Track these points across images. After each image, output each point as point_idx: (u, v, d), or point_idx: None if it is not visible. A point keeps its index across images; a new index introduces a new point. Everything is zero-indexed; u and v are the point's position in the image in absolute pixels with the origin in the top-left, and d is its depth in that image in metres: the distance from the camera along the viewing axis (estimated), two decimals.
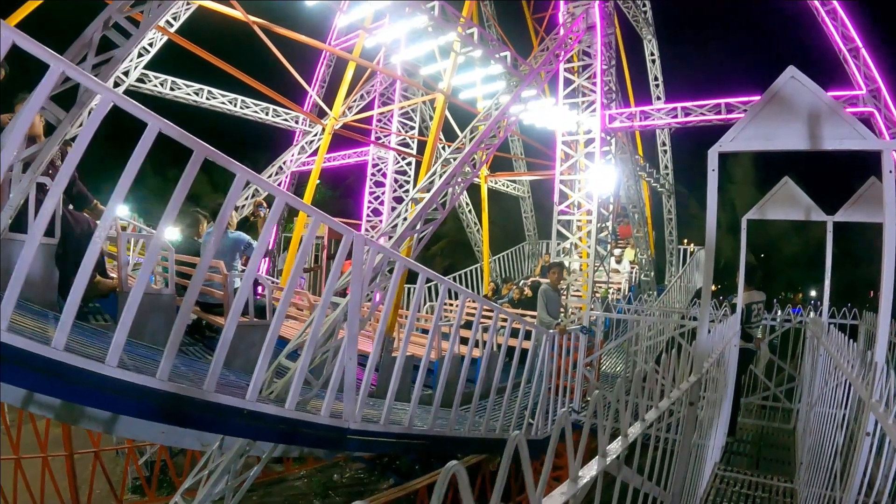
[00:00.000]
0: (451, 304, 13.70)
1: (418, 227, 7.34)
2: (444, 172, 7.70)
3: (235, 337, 3.43)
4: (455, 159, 7.79)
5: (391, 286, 4.54)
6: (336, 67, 16.03)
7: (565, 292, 10.80)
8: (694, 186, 27.46)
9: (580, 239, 10.37)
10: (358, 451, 4.55)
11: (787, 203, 7.31)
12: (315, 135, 13.78)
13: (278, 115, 14.27)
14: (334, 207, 27.42)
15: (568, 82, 10.96)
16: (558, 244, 10.60)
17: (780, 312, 9.51)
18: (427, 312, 12.88)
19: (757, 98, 9.99)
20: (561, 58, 10.02)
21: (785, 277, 29.40)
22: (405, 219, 7.18)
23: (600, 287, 10.82)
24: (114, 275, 5.60)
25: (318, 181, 13.24)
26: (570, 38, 10.12)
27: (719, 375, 4.79)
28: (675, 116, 10.31)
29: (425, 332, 8.45)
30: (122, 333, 2.94)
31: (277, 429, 3.72)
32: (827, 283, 7.60)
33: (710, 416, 4.33)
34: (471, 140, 8.07)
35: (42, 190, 4.70)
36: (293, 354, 4.37)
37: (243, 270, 8.04)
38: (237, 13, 9.70)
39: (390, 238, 7.13)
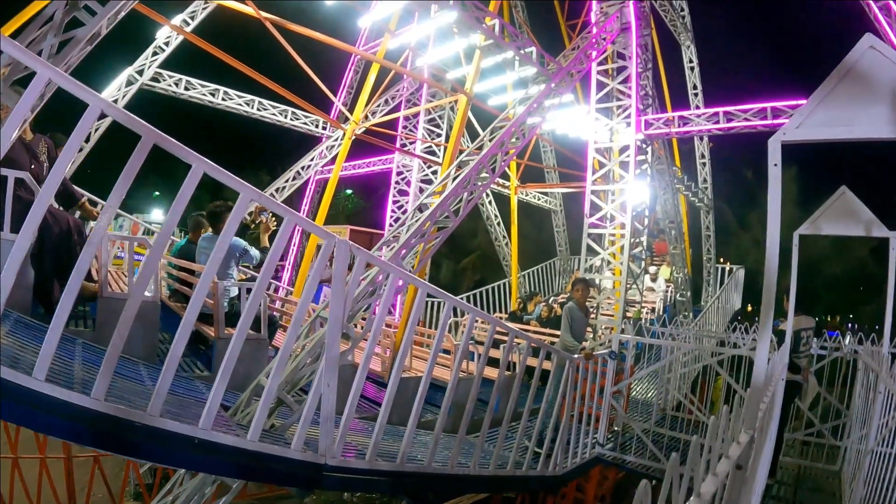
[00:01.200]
0: (479, 323, 13.13)
1: (427, 235, 6.79)
2: (459, 176, 7.14)
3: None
4: (472, 162, 7.24)
5: (384, 299, 3.99)
6: (364, 73, 15.67)
7: (594, 312, 10.14)
8: (733, 202, 26.58)
9: (612, 255, 9.72)
10: (337, 489, 4.03)
11: (844, 216, 6.57)
12: (336, 140, 13.43)
13: (297, 119, 13.94)
14: (367, 218, 27.10)
15: (601, 86, 10.35)
16: (588, 260, 9.96)
17: (828, 339, 8.81)
18: (450, 331, 12.36)
19: (806, 102, 9.29)
20: (593, 58, 9.41)
21: (826, 300, 28.04)
22: (410, 227, 6.62)
23: (632, 307, 10.13)
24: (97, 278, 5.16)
25: (350, 191, 12.97)
26: (603, 38, 9.54)
27: (769, 420, 4.21)
28: (717, 122, 9.63)
29: (447, 351, 7.93)
30: (50, 343, 2.61)
31: (237, 462, 3.29)
32: (889, 307, 6.87)
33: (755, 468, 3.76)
34: (490, 141, 7.51)
35: (22, 185, 4.34)
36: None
37: (247, 278, 7.81)
38: (249, 9, 9.34)
39: (392, 248, 6.57)
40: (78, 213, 5.55)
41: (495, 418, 5.44)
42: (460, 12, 7.49)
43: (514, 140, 7.76)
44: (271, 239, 6.41)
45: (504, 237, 17.17)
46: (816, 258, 26.49)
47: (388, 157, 15.06)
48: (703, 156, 17.26)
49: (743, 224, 26.85)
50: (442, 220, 6.98)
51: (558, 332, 10.76)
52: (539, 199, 18.75)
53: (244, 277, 7.12)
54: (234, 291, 5.78)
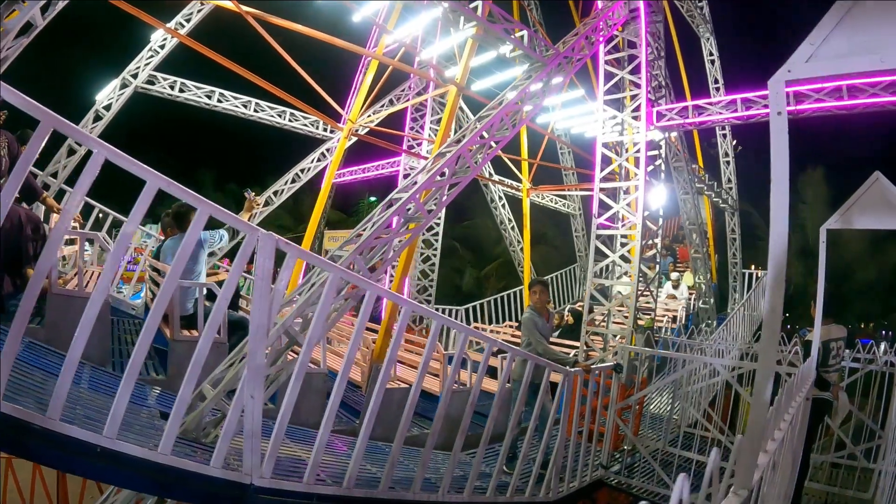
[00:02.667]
0: (484, 328, 12.38)
1: (397, 232, 6.05)
2: (435, 168, 6.42)
3: (182, 355, 3.39)
4: (450, 153, 6.51)
5: (322, 304, 3.43)
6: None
7: (605, 322, 9.30)
8: (762, 204, 25.05)
9: (622, 257, 8.88)
10: None
11: (879, 207, 5.71)
12: (336, 141, 12.92)
13: (296, 120, 13.40)
14: None
15: (609, 77, 9.54)
16: (596, 263, 9.13)
17: (861, 350, 7.90)
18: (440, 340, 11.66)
19: (831, 86, 8.43)
20: (597, 44, 8.63)
21: (859, 306, 26.35)
22: (375, 223, 5.90)
23: (646, 315, 9.27)
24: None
25: (374, 198, 12.50)
26: (609, 24, 8.77)
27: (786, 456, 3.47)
28: (735, 111, 8.76)
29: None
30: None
31: (148, 476, 2.99)
32: None
33: None
34: (472, 131, 6.77)
35: None
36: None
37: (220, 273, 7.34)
38: (230, 4, 8.83)
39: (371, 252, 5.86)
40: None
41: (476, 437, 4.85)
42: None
43: (501, 130, 7.03)
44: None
45: (519, 242, 16.33)
46: (849, 261, 24.82)
47: (395, 160, 14.37)
48: (726, 155, 16.19)
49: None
50: (414, 216, 6.24)
51: (568, 342, 10.10)
52: (556, 203, 17.85)
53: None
54: (203, 291, 5.43)
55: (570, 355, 6.36)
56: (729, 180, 16.22)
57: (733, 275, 16.13)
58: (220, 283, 5.48)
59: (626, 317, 8.67)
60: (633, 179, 8.99)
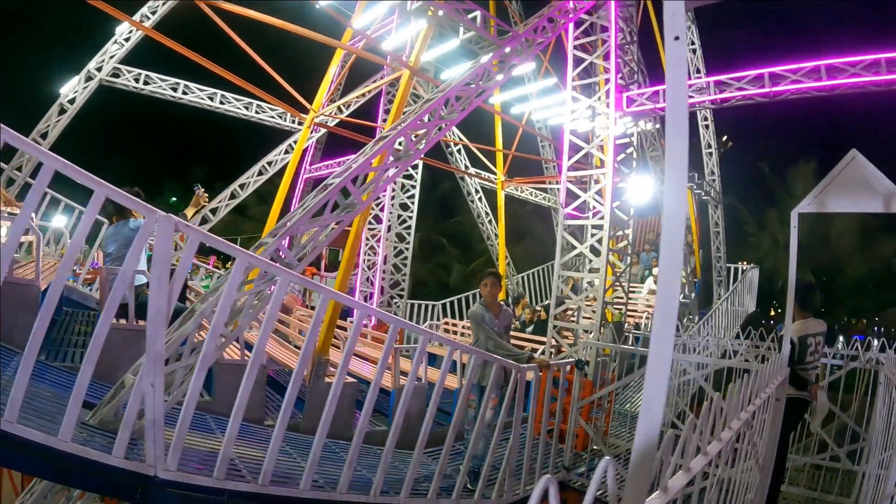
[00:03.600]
0: (449, 324, 11.73)
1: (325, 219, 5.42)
2: (373, 152, 5.77)
3: (110, 342, 3.09)
4: (391, 136, 5.85)
5: (227, 290, 3.21)
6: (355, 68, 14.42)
7: (574, 317, 8.64)
8: (751, 200, 24.39)
9: (591, 249, 8.21)
10: None
11: (856, 189, 5.06)
12: (307, 135, 12.30)
13: (263, 112, 12.75)
14: None
15: (579, 62, 8.89)
16: (564, 254, 8.46)
17: (841, 346, 7.27)
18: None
19: (810, 65, 7.75)
20: (562, 27, 7.95)
21: (851, 301, 25.51)
22: (306, 207, 5.26)
23: (617, 309, 8.59)
24: None
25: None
26: (576, 6, 8.10)
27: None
28: (708, 94, 8.07)
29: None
30: None
31: (47, 462, 2.88)
32: None
33: None
34: (415, 114, 6.13)
35: None
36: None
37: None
38: None
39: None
40: None
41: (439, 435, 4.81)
42: None
43: (449, 114, 6.40)
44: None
45: (497, 235, 15.64)
46: (840, 256, 24.04)
47: None
48: (709, 146, 15.46)
49: (761, 223, 24.63)
50: (350, 203, 5.60)
51: (540, 338, 9.46)
52: (536, 196, 17.02)
53: None
54: (143, 279, 5.22)
55: (526, 350, 5.66)
56: (712, 172, 15.48)
57: (717, 269, 15.40)
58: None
59: (594, 311, 8.01)
60: (602, 168, 8.31)
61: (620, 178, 8.64)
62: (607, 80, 8.58)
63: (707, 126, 15.35)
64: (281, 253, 5.12)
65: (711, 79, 8.01)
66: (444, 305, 13.29)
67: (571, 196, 8.57)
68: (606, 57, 8.63)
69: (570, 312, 8.59)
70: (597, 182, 8.47)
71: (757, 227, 24.76)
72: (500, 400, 5.24)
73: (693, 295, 12.35)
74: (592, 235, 8.31)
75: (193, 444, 3.91)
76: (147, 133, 27.49)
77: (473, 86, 6.82)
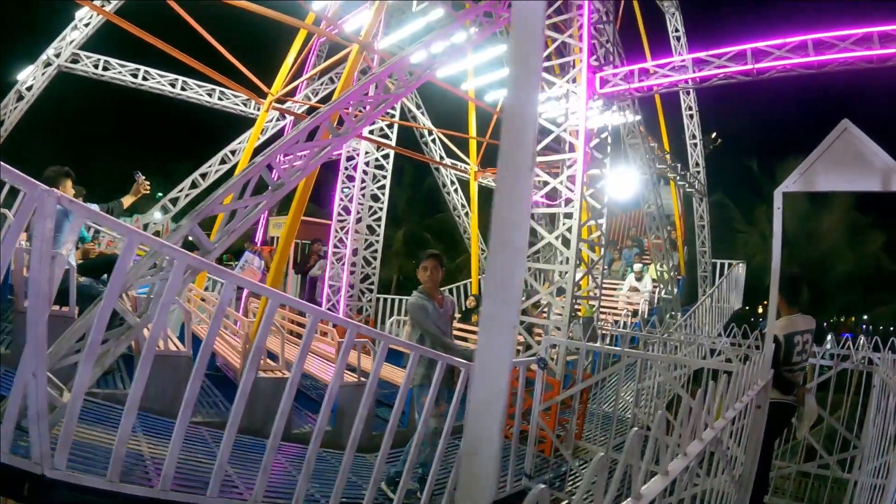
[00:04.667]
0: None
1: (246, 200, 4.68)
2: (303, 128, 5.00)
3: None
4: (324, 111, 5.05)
5: (117, 269, 2.88)
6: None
7: (546, 312, 7.82)
8: (737, 194, 23.48)
9: (559, 238, 7.39)
10: None
11: (848, 164, 4.25)
12: (270, 121, 11.52)
13: (226, 98, 11.91)
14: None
15: (551, 43, 8.10)
16: (531, 245, 7.65)
17: (831, 344, 6.54)
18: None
19: (796, 40, 6.94)
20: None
21: (840, 299, 24.60)
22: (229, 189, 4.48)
23: (591, 305, 7.78)
24: None
25: None
26: None
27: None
28: (685, 72, 7.24)
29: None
30: None
31: None
32: None
33: None
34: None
35: None
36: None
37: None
38: None
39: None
40: None
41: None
42: None
43: (397, 87, 5.63)
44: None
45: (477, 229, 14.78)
46: (829, 252, 23.12)
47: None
48: (693, 136, 14.59)
49: (750, 219, 23.73)
50: (277, 182, 4.84)
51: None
52: None
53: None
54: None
55: (472, 349, 4.80)
56: (697, 164, 14.60)
57: (702, 265, 14.53)
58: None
59: (564, 306, 7.19)
60: (573, 152, 7.49)
61: (595, 164, 7.84)
62: (581, 61, 7.76)
63: (691, 116, 14.49)
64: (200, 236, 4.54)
65: (689, 56, 7.18)
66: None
67: (541, 183, 7.75)
68: (581, 37, 7.82)
69: (540, 308, 7.78)
70: (570, 168, 7.65)
71: (745, 223, 23.90)
72: (446, 405, 4.52)
73: (675, 291, 11.52)
74: (563, 225, 7.49)
75: (99, 440, 3.66)
76: (113, 121, 26.50)
77: (424, 59, 6.08)
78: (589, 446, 7.02)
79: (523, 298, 7.64)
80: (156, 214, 27.89)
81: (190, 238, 4.55)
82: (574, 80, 7.74)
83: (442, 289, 12.52)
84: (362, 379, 5.87)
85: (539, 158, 7.76)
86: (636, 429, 1.58)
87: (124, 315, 3.66)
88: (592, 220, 7.51)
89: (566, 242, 7.41)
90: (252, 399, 5.11)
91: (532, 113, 0.88)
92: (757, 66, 6.74)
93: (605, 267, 13.95)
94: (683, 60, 7.21)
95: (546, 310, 7.80)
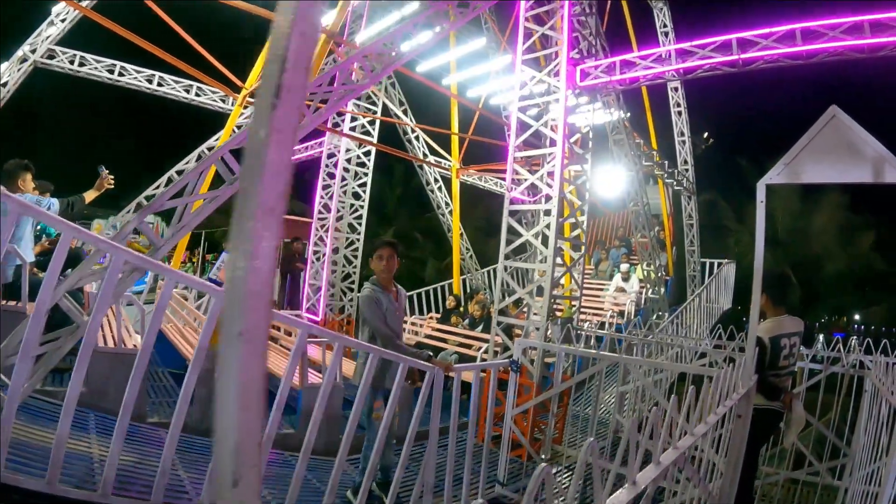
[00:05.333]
0: (406, 320, 10.46)
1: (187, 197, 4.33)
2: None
3: None
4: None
5: (52, 263, 2.75)
6: None
7: (525, 312, 7.42)
8: (728, 193, 23.01)
9: (538, 236, 6.98)
10: None
11: (836, 153, 3.83)
12: (248, 117, 11.07)
13: (203, 94, 11.46)
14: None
15: (530, 34, 7.66)
16: (508, 243, 7.22)
17: (821, 346, 6.16)
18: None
19: (783, 29, 6.52)
20: None
21: (832, 299, 24.12)
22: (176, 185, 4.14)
23: (570, 305, 7.37)
24: None
25: None
26: None
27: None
28: (668, 64, 6.80)
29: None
30: None
31: None
32: None
33: None
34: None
35: None
36: None
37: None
38: None
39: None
40: None
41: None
42: None
43: (355, 78, 5.25)
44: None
45: (459, 227, 14.32)
46: (819, 252, 22.65)
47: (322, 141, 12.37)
48: (682, 133, 14.14)
49: (741, 218, 23.23)
50: (235, 178, 4.51)
51: (487, 336, 8.30)
52: (501, 186, 15.37)
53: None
54: (29, 258, 4.72)
55: (425, 351, 4.39)
56: (685, 161, 14.15)
57: (691, 264, 14.08)
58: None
59: (542, 306, 6.77)
60: (552, 147, 7.07)
61: (575, 160, 7.42)
62: (552, 49, 7.34)
63: (680, 113, 14.04)
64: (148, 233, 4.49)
65: (673, 47, 6.76)
66: (417, 296, 12.08)
67: (518, 179, 7.34)
68: (561, 29, 7.40)
69: (518, 307, 7.38)
70: (549, 161, 7.21)
71: (736, 221, 23.43)
72: (383, 405, 4.28)
73: (662, 291, 11.10)
74: (542, 222, 7.07)
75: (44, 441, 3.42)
76: (92, 118, 25.90)
77: (392, 49, 5.68)
78: (569, 451, 6.62)
79: (500, 298, 7.23)
80: (149, 216, 27.39)
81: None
82: (556, 74, 7.32)
83: (429, 287, 12.09)
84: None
85: (518, 154, 7.34)
86: (591, 439, 1.51)
87: (69, 313, 3.51)
88: (573, 218, 7.09)
89: (546, 240, 6.99)
90: (206, 399, 4.87)
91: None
92: (742, 56, 6.32)
93: (593, 267, 13.57)
94: (668, 52, 6.78)
95: (527, 310, 7.39)
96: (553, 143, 7.10)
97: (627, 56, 7.09)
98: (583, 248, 7.35)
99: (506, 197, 7.30)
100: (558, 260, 6.96)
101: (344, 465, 3.81)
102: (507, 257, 7.22)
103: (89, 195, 5.31)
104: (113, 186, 5.42)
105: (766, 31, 6.33)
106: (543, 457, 6.32)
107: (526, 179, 7.16)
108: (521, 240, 7.09)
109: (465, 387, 7.06)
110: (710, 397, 2.96)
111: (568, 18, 7.31)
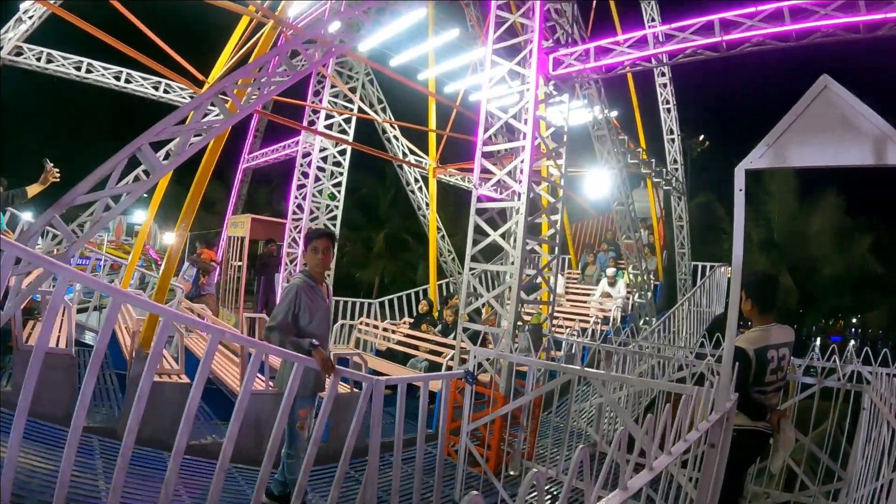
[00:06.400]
0: (369, 325, 9.75)
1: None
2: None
3: None
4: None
5: None
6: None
7: (495, 317, 6.68)
8: (722, 194, 22.09)
9: (507, 237, 6.25)
10: None
11: (829, 131, 3.09)
12: (218, 114, 10.42)
13: (172, 91, 10.78)
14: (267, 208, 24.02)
15: (502, 23, 6.98)
16: (475, 244, 6.49)
17: (816, 355, 5.46)
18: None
19: (770, 7, 5.77)
20: None
21: (828, 302, 23.16)
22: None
23: (537, 310, 6.60)
24: None
25: (332, 192, 10.14)
26: None
27: None
28: (645, 49, 6.05)
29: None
30: None
31: None
32: None
33: None
34: None
35: None
36: None
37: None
38: None
39: None
40: None
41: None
42: None
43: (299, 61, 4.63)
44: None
45: (439, 230, 13.54)
46: (816, 255, 21.73)
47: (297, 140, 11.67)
48: (671, 132, 13.33)
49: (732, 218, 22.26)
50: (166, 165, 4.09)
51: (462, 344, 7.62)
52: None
53: None
54: None
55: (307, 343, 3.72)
56: (675, 160, 13.33)
57: (682, 268, 13.24)
58: None
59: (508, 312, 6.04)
60: (522, 140, 6.35)
61: (549, 155, 6.71)
62: (523, 37, 6.63)
63: (669, 110, 13.24)
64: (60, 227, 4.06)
65: (649, 31, 6.02)
66: (381, 304, 11.37)
67: (487, 175, 6.62)
68: (527, 14, 6.69)
69: (487, 313, 6.65)
70: (521, 157, 6.49)
71: (730, 224, 22.51)
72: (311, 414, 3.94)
73: (649, 295, 10.32)
74: (511, 220, 6.34)
75: None
76: (60, 115, 25.36)
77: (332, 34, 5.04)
78: (539, 467, 5.90)
79: (467, 303, 6.50)
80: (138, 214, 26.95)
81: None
82: (527, 65, 6.61)
83: (417, 289, 11.34)
84: (271, 386, 5.00)
85: (485, 149, 6.63)
86: (535, 469, 1.61)
87: None
88: (545, 217, 6.37)
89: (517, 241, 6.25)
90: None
91: None
92: (725, 38, 5.58)
93: (580, 272, 12.81)
94: (645, 35, 6.05)
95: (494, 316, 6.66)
96: (525, 136, 6.38)
97: (602, 42, 6.35)
98: (556, 249, 6.60)
99: (473, 194, 6.58)
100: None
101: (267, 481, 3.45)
102: (474, 259, 6.51)
103: (33, 189, 5.00)
104: (59, 180, 4.99)
105: (752, 10, 5.59)
106: (512, 473, 5.64)
107: (494, 176, 6.44)
108: (489, 240, 6.38)
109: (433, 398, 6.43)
110: (675, 425, 2.34)
111: (540, 4, 6.60)
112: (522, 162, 6.25)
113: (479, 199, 6.52)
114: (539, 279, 6.57)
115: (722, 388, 3.11)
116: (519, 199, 6.30)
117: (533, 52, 6.46)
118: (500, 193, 6.80)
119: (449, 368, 6.62)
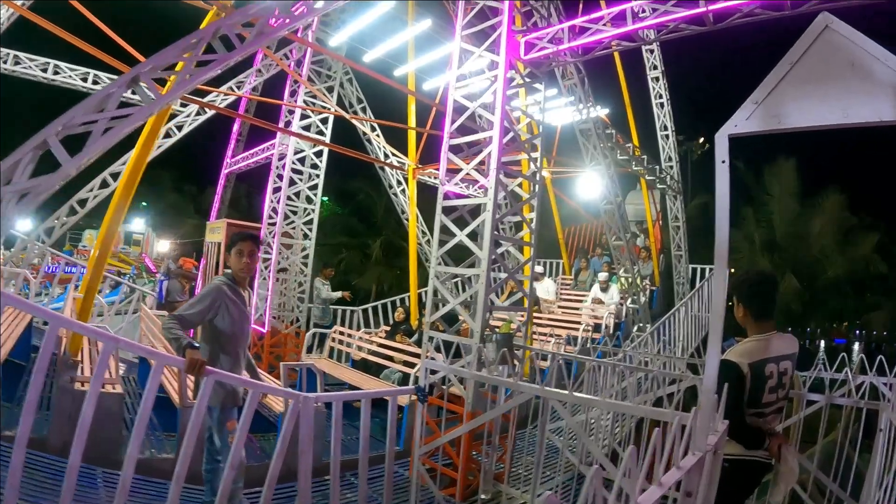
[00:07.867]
0: (343, 333, 8.99)
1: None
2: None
3: None
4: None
5: None
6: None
7: (464, 324, 5.92)
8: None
9: (474, 237, 5.51)
10: None
11: (832, 80, 2.33)
12: (188, 115, 9.82)
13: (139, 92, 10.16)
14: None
15: (473, 8, 6.25)
16: (441, 245, 5.73)
17: (822, 363, 4.67)
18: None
19: None
20: None
21: (831, 304, 22.07)
22: None
23: (519, 318, 5.82)
24: None
25: (325, 198, 9.56)
26: None
27: None
28: (623, 25, 5.30)
29: None
30: None
31: None
32: None
33: None
34: None
35: None
36: None
37: None
38: None
39: None
40: None
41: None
42: None
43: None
44: None
45: (425, 234, 12.73)
46: (818, 256, 20.66)
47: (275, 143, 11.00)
48: (665, 128, 12.47)
49: (736, 223, 21.34)
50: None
51: (414, 350, 6.94)
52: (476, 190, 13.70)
53: None
54: None
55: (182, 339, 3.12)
56: (669, 158, 12.46)
57: (679, 271, 12.35)
58: None
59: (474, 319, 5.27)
60: (490, 132, 5.60)
61: (521, 147, 5.95)
62: (493, 21, 5.91)
63: (662, 105, 12.40)
64: None
65: (628, 5, 5.25)
66: (364, 311, 10.65)
67: (452, 170, 5.87)
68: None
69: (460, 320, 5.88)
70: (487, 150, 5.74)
71: (732, 226, 21.50)
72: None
73: (644, 301, 9.47)
74: (480, 218, 5.59)
75: None
76: (27, 117, 25.09)
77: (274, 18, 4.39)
78: (512, 492, 5.14)
79: (432, 309, 5.74)
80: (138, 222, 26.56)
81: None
82: (497, 49, 5.87)
83: (401, 296, 10.59)
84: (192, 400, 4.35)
85: (452, 141, 5.87)
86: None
87: None
88: (516, 215, 5.60)
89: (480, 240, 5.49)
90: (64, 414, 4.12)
91: None
92: (711, 7, 4.80)
93: (572, 277, 12.03)
94: (622, 10, 5.28)
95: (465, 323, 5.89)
96: (493, 126, 5.63)
97: (577, 21, 5.59)
98: (531, 250, 5.81)
99: (440, 191, 5.82)
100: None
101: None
102: (442, 261, 5.75)
103: None
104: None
105: None
106: (483, 497, 4.89)
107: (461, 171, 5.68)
108: (455, 240, 5.61)
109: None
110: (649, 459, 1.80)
111: None
112: (490, 155, 5.49)
113: (447, 197, 5.76)
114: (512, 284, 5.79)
115: (702, 419, 2.33)
116: (486, 196, 5.53)
117: (502, 34, 5.71)
118: (471, 190, 6.04)
119: (416, 381, 5.87)
